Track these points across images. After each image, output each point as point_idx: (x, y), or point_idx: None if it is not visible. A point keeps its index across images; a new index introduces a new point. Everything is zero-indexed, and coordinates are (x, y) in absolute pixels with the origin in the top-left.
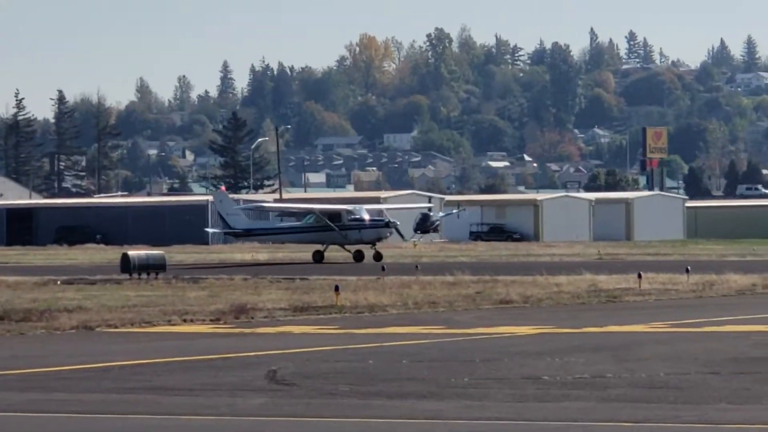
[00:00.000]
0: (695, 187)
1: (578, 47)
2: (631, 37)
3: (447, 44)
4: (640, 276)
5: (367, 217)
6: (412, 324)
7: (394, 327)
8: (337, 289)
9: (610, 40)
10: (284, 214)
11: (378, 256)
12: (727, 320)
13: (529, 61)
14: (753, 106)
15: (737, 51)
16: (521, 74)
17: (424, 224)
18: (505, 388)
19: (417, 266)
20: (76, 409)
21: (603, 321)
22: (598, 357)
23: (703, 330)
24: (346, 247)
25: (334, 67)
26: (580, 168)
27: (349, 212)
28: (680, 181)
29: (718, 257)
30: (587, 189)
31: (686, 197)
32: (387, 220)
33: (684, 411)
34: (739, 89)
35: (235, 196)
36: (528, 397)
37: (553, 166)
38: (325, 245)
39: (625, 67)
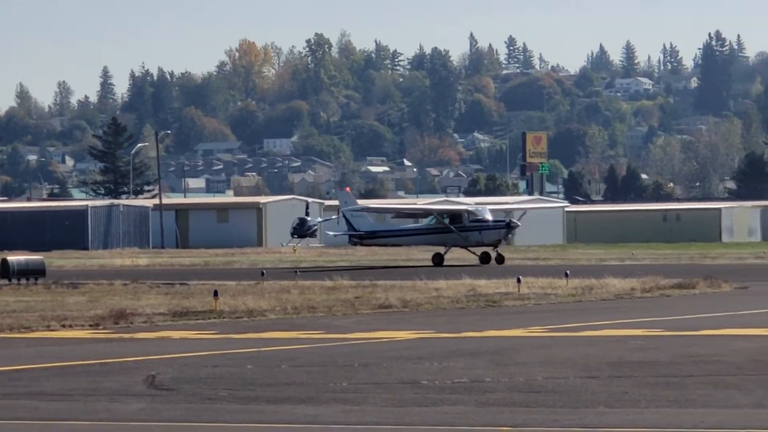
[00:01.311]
0: (575, 192)
1: (458, 52)
2: (511, 42)
3: (327, 49)
4: (519, 281)
5: (489, 218)
6: (291, 329)
7: (273, 332)
8: (216, 294)
9: (490, 45)
10: (401, 215)
11: (500, 259)
12: (605, 324)
13: (409, 67)
14: (632, 111)
15: (616, 56)
16: (401, 79)
17: (302, 229)
18: (383, 392)
19: (296, 271)
20: None
21: (482, 325)
22: (477, 361)
23: (582, 334)
24: (471, 249)
25: (214, 73)
26: (460, 173)
27: (470, 213)
28: (560, 186)
29: (598, 261)
30: (467, 194)
31: (566, 202)
32: (508, 221)
33: (562, 415)
34: (619, 94)
35: (116, 201)
36: (406, 402)
37: (433, 171)
38: (446, 247)
39: (504, 72)
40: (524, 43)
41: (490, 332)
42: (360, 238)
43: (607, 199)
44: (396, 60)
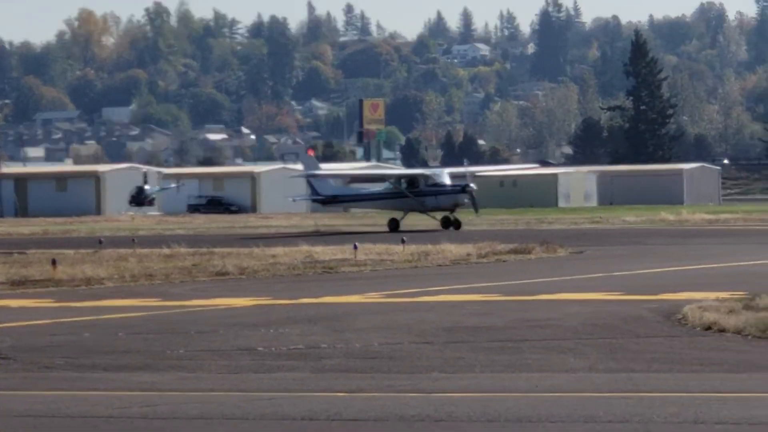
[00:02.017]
0: (413, 158)
1: (296, 20)
2: (349, 9)
3: (165, 18)
4: (356, 247)
5: (447, 182)
6: (128, 297)
7: (110, 300)
8: (54, 262)
9: (328, 13)
10: (356, 180)
11: (456, 224)
12: (441, 290)
13: (247, 35)
14: (469, 77)
15: (454, 23)
16: (239, 47)
17: (139, 197)
18: (220, 359)
19: (134, 239)
20: None
21: (318, 292)
22: (313, 328)
23: (418, 300)
24: (431, 214)
25: (54, 42)
26: (298, 140)
27: (427, 177)
28: (397, 152)
29: (436, 227)
30: None
31: (403, 167)
32: (464, 185)
33: (397, 380)
34: (456, 60)
35: None
36: (243, 368)
37: (271, 138)
38: (404, 212)
39: (342, 39)
40: (362, 11)
41: (327, 298)
42: (322, 202)
43: (444, 165)
44: (234, 28)
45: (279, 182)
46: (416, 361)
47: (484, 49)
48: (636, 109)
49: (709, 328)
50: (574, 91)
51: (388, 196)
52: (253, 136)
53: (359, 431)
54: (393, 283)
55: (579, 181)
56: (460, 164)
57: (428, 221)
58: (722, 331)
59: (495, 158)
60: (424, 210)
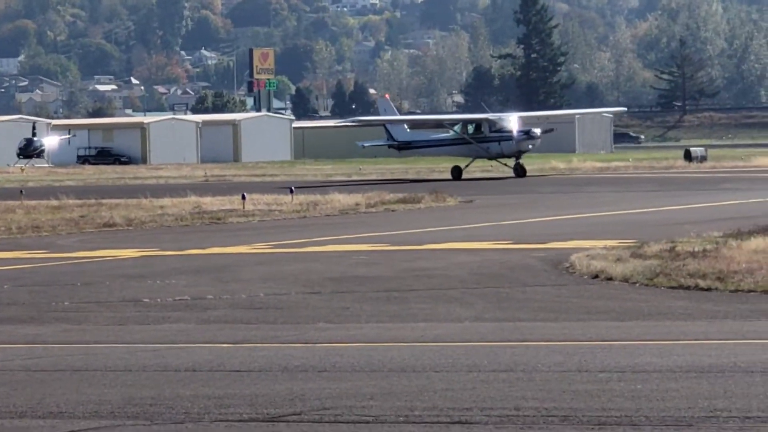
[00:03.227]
0: (303, 108)
1: None
2: None
3: None
4: (244, 197)
5: (513, 127)
6: (14, 249)
7: None
8: None
9: None
10: (416, 126)
11: (520, 170)
12: (329, 240)
13: None
14: (359, 26)
15: None
16: None
17: (28, 149)
18: (105, 311)
19: (21, 191)
20: None
21: (206, 243)
22: (200, 279)
23: (305, 250)
24: (501, 161)
25: None
26: (188, 90)
27: (491, 123)
28: (288, 102)
29: (325, 177)
30: (195, 111)
31: (293, 118)
32: (528, 129)
33: (283, 331)
34: (345, 9)
35: None
36: (128, 320)
37: (161, 89)
38: (471, 159)
39: None
40: None
41: (214, 249)
42: (398, 147)
43: (335, 115)
44: None
45: (169, 133)
46: (302, 312)
47: None
48: (527, 57)
49: (596, 276)
50: (465, 39)
51: (456, 142)
52: (142, 87)
53: (242, 382)
54: (280, 234)
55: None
56: (351, 113)
57: (503, 168)
58: (609, 279)
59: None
60: (489, 156)
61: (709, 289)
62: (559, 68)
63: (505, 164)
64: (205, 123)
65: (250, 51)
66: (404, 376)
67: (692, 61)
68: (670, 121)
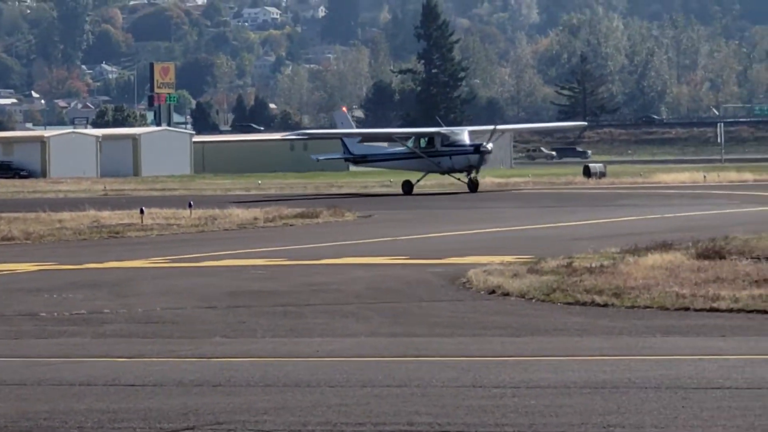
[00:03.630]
0: (203, 122)
1: None
2: None
3: None
4: (142, 211)
5: (466, 141)
6: None
7: None
8: None
9: None
10: (367, 139)
11: (473, 185)
12: (226, 254)
13: None
14: (260, 40)
15: None
16: (28, 11)
17: None
18: (1, 324)
19: None
20: None
21: (104, 257)
22: (97, 293)
23: (202, 265)
24: (455, 175)
25: None
26: (89, 104)
27: (443, 136)
28: (188, 116)
29: (224, 192)
30: (95, 125)
31: (194, 132)
32: (478, 144)
33: (179, 345)
34: (247, 24)
35: None
36: (24, 334)
37: (61, 103)
38: (422, 174)
39: (132, 3)
40: None
41: (112, 264)
42: (354, 161)
43: (235, 129)
44: None
45: (69, 147)
46: (198, 326)
47: (274, 13)
48: (427, 72)
49: (493, 291)
50: (366, 54)
51: (409, 156)
52: (43, 101)
53: (137, 396)
54: (178, 248)
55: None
56: (250, 129)
57: (457, 183)
58: (506, 294)
59: (286, 122)
60: (441, 171)
61: (605, 305)
62: (459, 83)
63: (458, 179)
64: (106, 137)
65: (151, 65)
66: (299, 391)
67: (593, 77)
68: (570, 137)
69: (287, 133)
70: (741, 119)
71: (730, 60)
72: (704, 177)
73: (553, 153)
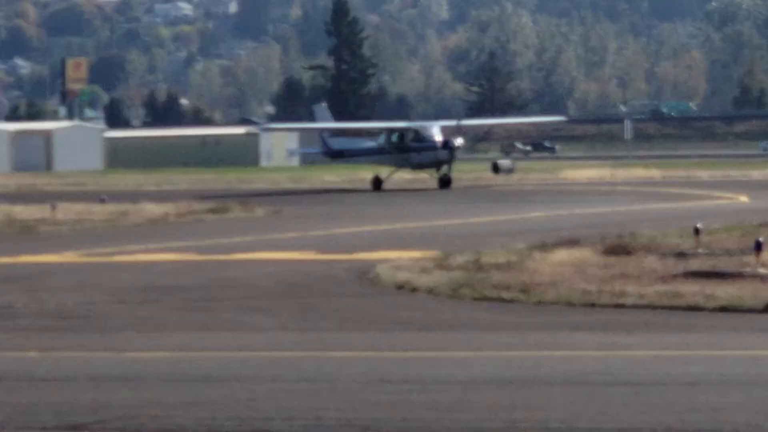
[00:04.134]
0: (116, 118)
1: None
2: None
3: None
4: (53, 206)
5: (437, 137)
6: None
7: None
8: None
9: None
10: (339, 133)
11: (444, 182)
12: (138, 249)
13: None
14: (172, 36)
15: None
16: None
17: None
18: None
19: None
20: None
21: (15, 251)
22: (8, 287)
23: (114, 260)
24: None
25: None
26: (1, 99)
27: (414, 132)
28: (101, 112)
29: (136, 187)
30: (8, 120)
31: (106, 127)
32: (446, 140)
33: (90, 340)
34: (158, 20)
35: None
36: None
37: None
38: (394, 169)
39: None
40: None
41: (24, 258)
42: (332, 155)
43: (147, 125)
44: None
45: None
46: (110, 321)
47: (186, 8)
48: (337, 68)
49: (401, 287)
50: (277, 50)
51: (381, 152)
52: None
53: (48, 390)
54: (90, 243)
55: (281, 141)
56: (165, 124)
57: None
58: (414, 290)
59: (198, 118)
60: (411, 166)
61: (512, 301)
62: (369, 80)
63: (432, 175)
64: (18, 132)
65: (63, 60)
66: (208, 386)
67: (501, 74)
68: (479, 133)
69: (252, 127)
70: (647, 116)
71: (638, 57)
72: (611, 174)
73: (529, 148)
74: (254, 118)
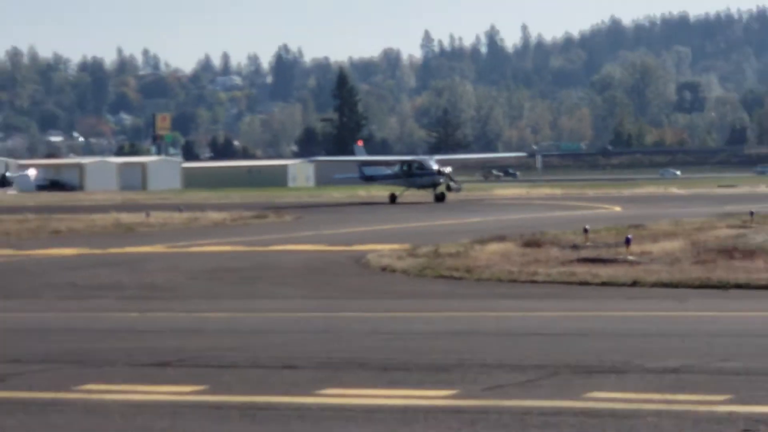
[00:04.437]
0: (190, 154)
1: (110, 59)
2: (145, 52)
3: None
4: (147, 214)
5: (434, 166)
6: None
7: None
8: None
9: (131, 54)
10: (369, 164)
11: (439, 197)
12: (205, 243)
13: (76, 69)
14: (228, 99)
15: (217, 62)
16: (71, 77)
17: (3, 181)
18: (52, 290)
19: None
20: None
21: (122, 245)
22: (118, 269)
23: (189, 250)
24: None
25: None
26: (113, 141)
27: (418, 163)
28: (180, 150)
29: (203, 201)
30: (116, 155)
31: (183, 160)
32: (439, 169)
33: (173, 304)
34: (218, 87)
35: None
36: (66, 296)
37: (93, 140)
38: (404, 189)
39: (141, 73)
40: (155, 53)
41: (127, 249)
42: (365, 179)
43: (211, 159)
44: (65, 65)
45: (99, 170)
46: (186, 291)
47: (237, 79)
48: (340, 120)
49: (384, 269)
50: (299, 108)
51: (396, 176)
52: (81, 138)
53: (144, 339)
54: (172, 239)
55: (302, 169)
56: (223, 158)
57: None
58: (393, 271)
59: (245, 154)
60: (416, 187)
61: (460, 278)
62: (362, 128)
63: (431, 193)
64: (123, 164)
65: (153, 115)
66: (253, 336)
67: (451, 124)
68: (456, 164)
69: (305, 159)
70: (552, 153)
71: (545, 113)
72: (527, 192)
73: (501, 174)
74: (284, 155)
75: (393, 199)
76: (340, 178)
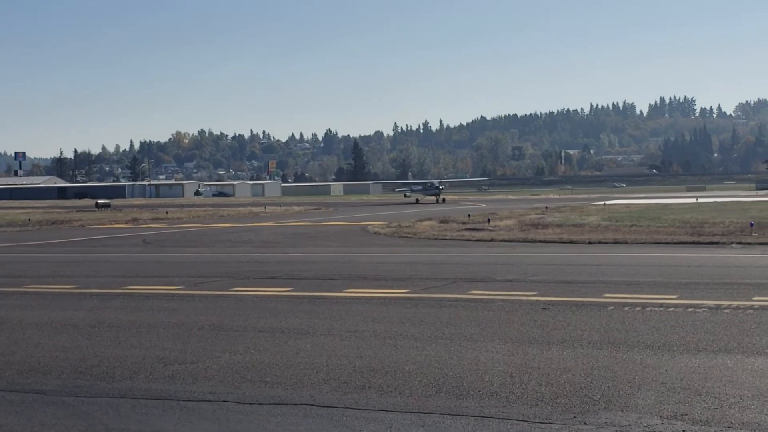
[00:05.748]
0: (285, 179)
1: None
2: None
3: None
4: (265, 207)
5: (436, 184)
6: (188, 224)
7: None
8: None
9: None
10: (410, 185)
11: (439, 201)
12: (291, 222)
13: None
14: (302, 153)
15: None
16: (209, 143)
17: (197, 193)
18: (216, 244)
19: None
20: None
21: (249, 221)
22: (246, 234)
23: (284, 224)
24: (435, 197)
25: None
26: (246, 173)
27: (428, 182)
28: (279, 177)
29: (291, 202)
30: (251, 179)
31: (281, 182)
32: (438, 185)
33: (274, 249)
34: (298, 147)
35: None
36: (225, 247)
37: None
38: (423, 196)
39: (263, 142)
40: (268, 132)
41: (251, 224)
42: (410, 192)
43: (295, 182)
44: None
45: (246, 189)
46: (281, 243)
47: (307, 144)
48: (354, 164)
49: (376, 233)
50: (335, 158)
51: (419, 191)
52: (232, 171)
53: (259, 265)
54: (276, 219)
55: (337, 186)
56: (300, 182)
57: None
58: (379, 234)
59: (311, 180)
60: (427, 195)
61: (410, 237)
62: (366, 168)
63: (434, 199)
64: (252, 184)
65: (267, 162)
66: (313, 264)
67: (406, 167)
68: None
69: (339, 182)
70: (455, 179)
71: (449, 160)
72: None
73: (486, 187)
74: (328, 180)
75: (417, 201)
76: (399, 190)
